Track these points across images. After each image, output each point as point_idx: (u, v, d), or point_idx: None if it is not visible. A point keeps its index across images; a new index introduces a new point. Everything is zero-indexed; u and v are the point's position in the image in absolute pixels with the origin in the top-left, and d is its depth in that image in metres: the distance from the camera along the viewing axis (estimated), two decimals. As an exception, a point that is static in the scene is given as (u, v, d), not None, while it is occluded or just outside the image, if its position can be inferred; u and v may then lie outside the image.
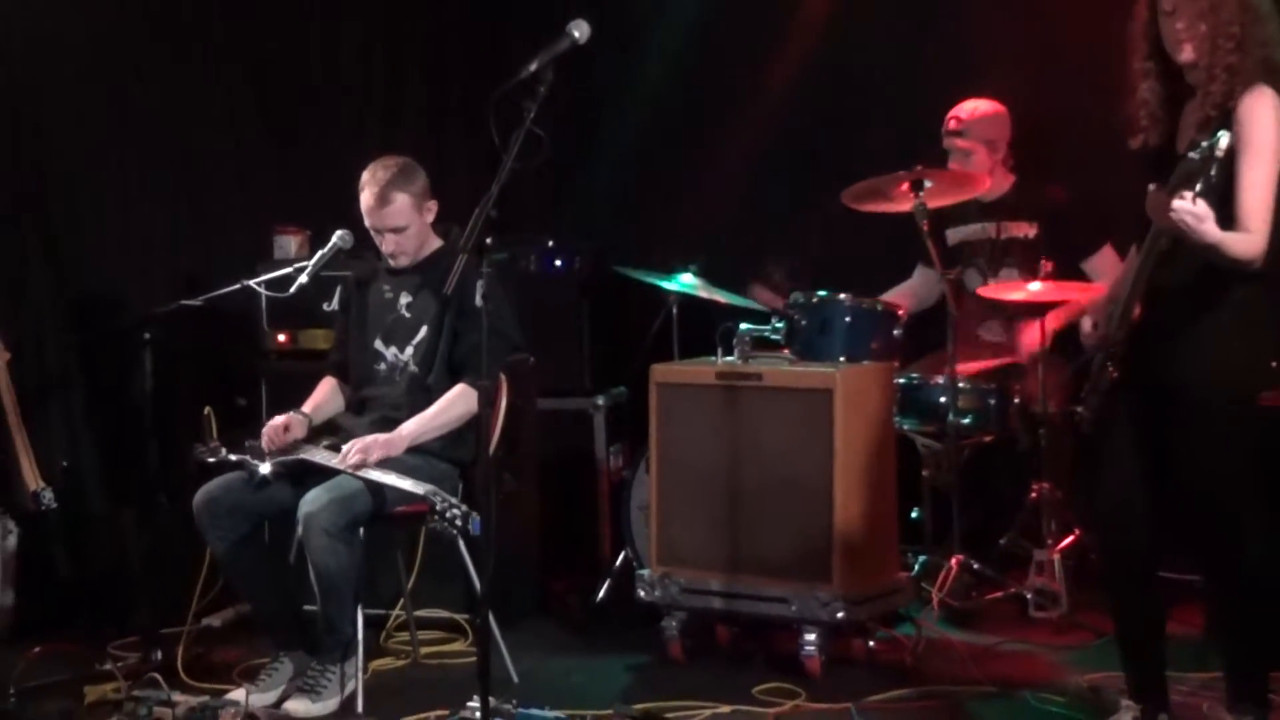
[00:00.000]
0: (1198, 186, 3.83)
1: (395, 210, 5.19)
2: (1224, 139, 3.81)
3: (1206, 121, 3.97)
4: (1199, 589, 4.40)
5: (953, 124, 6.19)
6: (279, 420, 5.17)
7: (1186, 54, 4.07)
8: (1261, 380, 4.28)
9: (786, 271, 6.25)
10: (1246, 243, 3.96)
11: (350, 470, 4.91)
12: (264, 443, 5.10)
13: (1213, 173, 3.82)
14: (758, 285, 6.26)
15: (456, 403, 5.07)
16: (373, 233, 5.27)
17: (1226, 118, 3.96)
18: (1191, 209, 3.82)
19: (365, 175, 5.24)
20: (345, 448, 4.98)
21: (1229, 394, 4.07)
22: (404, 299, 5.32)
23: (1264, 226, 3.97)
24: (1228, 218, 3.95)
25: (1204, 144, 3.83)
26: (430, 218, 5.29)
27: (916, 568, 5.85)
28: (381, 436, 5.01)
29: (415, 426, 5.08)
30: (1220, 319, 4.05)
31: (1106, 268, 5.87)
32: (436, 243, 5.34)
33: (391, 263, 5.32)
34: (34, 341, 6.45)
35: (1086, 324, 4.38)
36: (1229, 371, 4.07)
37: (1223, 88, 4.00)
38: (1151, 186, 3.95)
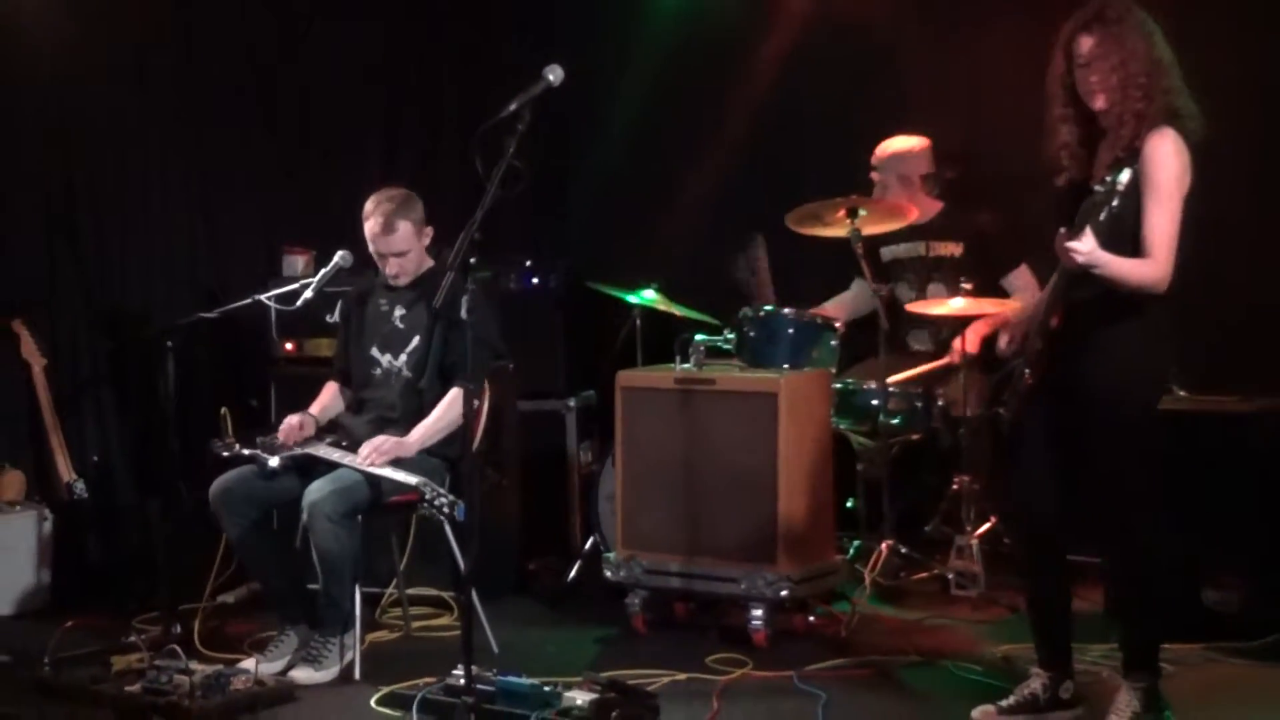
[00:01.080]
0: (1101, 216, 3.84)
1: (398, 237, 5.17)
2: (1125, 175, 3.83)
3: (1116, 162, 3.95)
4: (1101, 570, 4.39)
5: (872, 160, 6.19)
6: (294, 419, 5.16)
7: (1100, 103, 4.07)
8: (1161, 389, 4.30)
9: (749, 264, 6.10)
10: (1148, 270, 3.97)
11: (358, 466, 4.89)
12: (283, 438, 5.09)
13: (1114, 204, 3.83)
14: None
15: (454, 405, 5.04)
16: (376, 257, 5.24)
17: (1134, 157, 3.96)
18: (1080, 249, 3.82)
19: (369, 205, 5.20)
20: (363, 448, 4.95)
21: (1131, 400, 4.08)
22: (399, 311, 5.29)
23: (1166, 254, 3.97)
24: (1135, 245, 3.97)
25: (1108, 179, 3.84)
26: (427, 241, 5.27)
27: (851, 551, 5.86)
28: (394, 439, 4.99)
29: (422, 432, 5.06)
30: (1126, 333, 4.05)
31: (1021, 284, 5.90)
32: (429, 263, 5.32)
33: (392, 282, 5.29)
34: (68, 349, 6.41)
35: (1002, 340, 4.38)
36: (1132, 380, 4.07)
37: (1131, 131, 4.00)
38: (1061, 230, 3.95)
